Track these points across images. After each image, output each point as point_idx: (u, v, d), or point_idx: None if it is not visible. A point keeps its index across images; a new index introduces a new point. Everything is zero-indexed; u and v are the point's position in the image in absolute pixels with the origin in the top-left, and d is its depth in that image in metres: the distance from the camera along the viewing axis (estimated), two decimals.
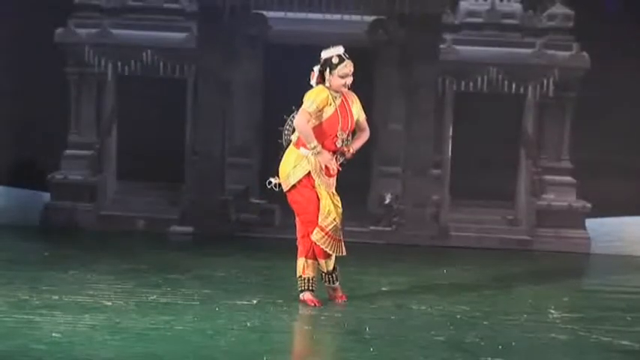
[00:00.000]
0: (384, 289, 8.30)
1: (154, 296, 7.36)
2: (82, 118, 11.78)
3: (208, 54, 11.59)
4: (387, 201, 11.60)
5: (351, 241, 11.40)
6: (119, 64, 11.67)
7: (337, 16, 11.56)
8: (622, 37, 11.09)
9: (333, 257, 7.36)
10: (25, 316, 6.43)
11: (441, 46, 11.53)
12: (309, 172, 7.27)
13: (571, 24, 11.45)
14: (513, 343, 6.27)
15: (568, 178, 11.53)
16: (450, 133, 11.56)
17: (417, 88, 11.54)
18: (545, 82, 11.47)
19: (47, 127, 11.49)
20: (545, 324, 6.98)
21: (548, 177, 11.59)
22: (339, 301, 7.49)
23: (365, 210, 11.66)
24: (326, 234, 7.23)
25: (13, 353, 5.49)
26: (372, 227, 11.61)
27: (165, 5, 11.70)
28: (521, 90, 11.50)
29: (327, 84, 7.27)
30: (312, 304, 7.24)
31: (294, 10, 11.58)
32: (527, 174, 11.57)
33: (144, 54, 11.61)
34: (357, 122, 7.50)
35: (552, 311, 7.50)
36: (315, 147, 7.21)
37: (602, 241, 11.40)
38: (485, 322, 6.93)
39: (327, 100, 7.23)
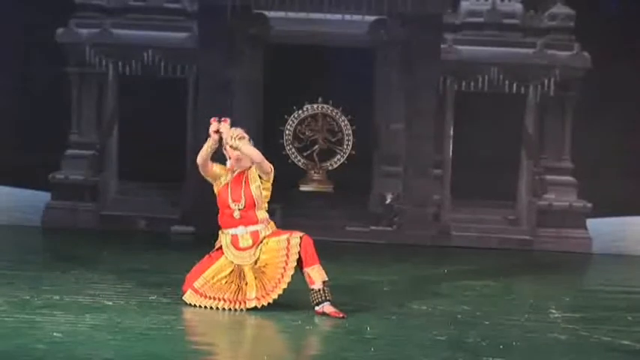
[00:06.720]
0: (384, 288, 8.30)
1: (155, 296, 7.36)
2: (83, 118, 11.79)
3: (209, 54, 11.59)
4: (388, 201, 11.60)
5: (352, 240, 11.49)
6: (120, 63, 11.68)
7: (338, 16, 11.56)
8: (622, 37, 11.10)
9: (314, 271, 6.96)
10: (27, 316, 6.43)
11: (442, 45, 11.53)
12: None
13: (572, 24, 11.45)
14: (514, 343, 6.27)
15: (569, 178, 11.53)
16: (451, 133, 11.56)
17: (418, 87, 11.54)
18: (546, 81, 11.48)
19: (48, 127, 11.49)
20: (546, 324, 6.98)
21: (549, 177, 11.59)
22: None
23: (366, 210, 11.66)
24: (200, 295, 7.02)
25: (14, 353, 5.48)
26: (372, 227, 11.61)
27: (166, 5, 11.70)
28: (522, 90, 11.50)
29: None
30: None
31: (295, 10, 11.58)
32: (528, 174, 11.57)
33: (145, 54, 11.61)
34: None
35: (553, 311, 7.50)
36: None
37: (603, 241, 11.39)
38: (486, 322, 6.93)
39: (221, 171, 7.34)
